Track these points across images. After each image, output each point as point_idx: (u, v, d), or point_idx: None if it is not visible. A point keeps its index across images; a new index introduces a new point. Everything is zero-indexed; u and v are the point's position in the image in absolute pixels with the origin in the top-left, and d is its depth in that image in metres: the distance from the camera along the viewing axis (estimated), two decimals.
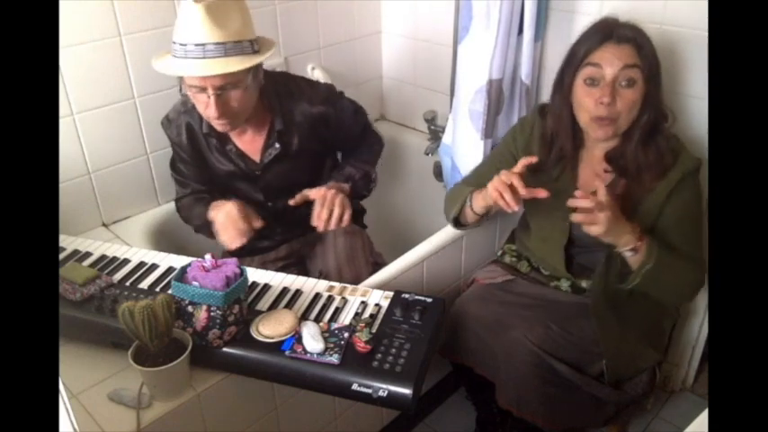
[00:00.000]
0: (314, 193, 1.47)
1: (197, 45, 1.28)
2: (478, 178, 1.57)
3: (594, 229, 1.26)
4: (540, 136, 1.48)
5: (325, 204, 1.43)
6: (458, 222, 1.58)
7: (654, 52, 1.32)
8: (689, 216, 1.37)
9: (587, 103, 1.32)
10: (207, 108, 1.35)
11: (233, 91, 1.34)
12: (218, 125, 1.42)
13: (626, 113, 1.30)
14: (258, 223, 1.47)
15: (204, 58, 1.28)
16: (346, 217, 1.45)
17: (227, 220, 1.43)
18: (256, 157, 1.54)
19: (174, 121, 1.54)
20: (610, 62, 1.29)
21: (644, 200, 1.36)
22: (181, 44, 1.29)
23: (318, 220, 1.43)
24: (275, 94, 1.51)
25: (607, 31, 1.31)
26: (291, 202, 1.48)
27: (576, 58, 1.34)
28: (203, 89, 1.32)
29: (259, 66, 1.40)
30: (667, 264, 1.32)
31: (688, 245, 1.37)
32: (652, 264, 1.30)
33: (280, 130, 1.51)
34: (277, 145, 1.52)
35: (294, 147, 1.54)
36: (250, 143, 1.54)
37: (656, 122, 1.34)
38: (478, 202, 1.47)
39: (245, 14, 1.35)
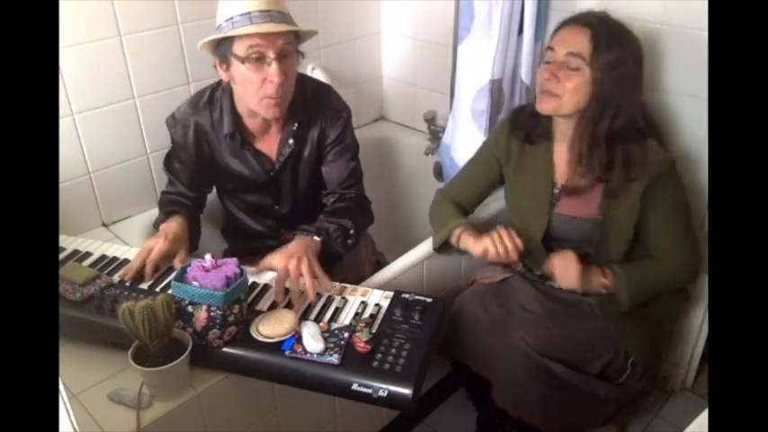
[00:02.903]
0: (276, 263, 1.35)
1: (262, 12, 1.32)
2: (460, 190, 1.64)
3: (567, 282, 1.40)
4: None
5: (294, 278, 1.31)
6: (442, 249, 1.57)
7: (620, 53, 1.33)
8: (671, 214, 1.41)
9: (538, 76, 1.41)
10: (265, 82, 1.35)
11: (289, 60, 1.37)
12: (273, 103, 1.39)
13: (569, 94, 1.35)
14: (178, 261, 1.40)
15: (271, 21, 1.32)
16: (317, 283, 1.33)
17: (144, 252, 1.40)
18: (273, 155, 1.55)
19: (180, 121, 1.53)
20: (560, 45, 1.36)
21: (619, 205, 1.38)
22: (242, 14, 1.32)
23: (293, 300, 1.31)
24: (298, 96, 1.51)
25: (576, 16, 1.39)
26: (257, 270, 1.36)
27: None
28: (260, 58, 1.33)
29: (300, 53, 1.44)
30: (649, 281, 1.41)
31: (676, 243, 1.42)
32: (627, 293, 1.38)
33: (297, 128, 1.51)
34: (291, 141, 1.52)
35: (308, 149, 1.54)
36: (269, 142, 1.55)
37: (621, 124, 1.35)
38: (467, 244, 1.47)
39: None
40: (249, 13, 1.32)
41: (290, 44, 1.36)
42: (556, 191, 1.48)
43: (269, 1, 1.33)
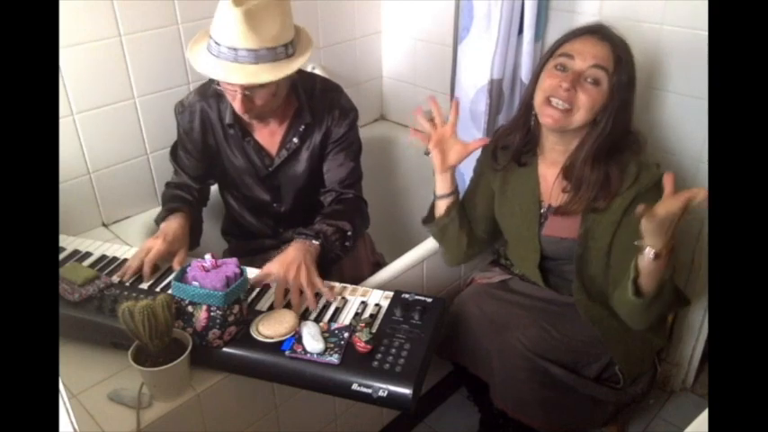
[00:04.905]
0: (275, 271, 1.34)
1: (229, 48, 1.28)
2: (469, 206, 1.57)
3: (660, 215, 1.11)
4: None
5: (293, 289, 1.30)
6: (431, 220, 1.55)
7: (631, 73, 1.30)
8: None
9: (547, 84, 1.30)
10: (234, 102, 1.37)
11: (261, 91, 1.35)
12: (247, 117, 1.43)
13: (584, 110, 1.28)
14: (177, 266, 1.38)
15: (236, 62, 1.29)
16: (316, 291, 1.33)
17: (141, 253, 1.39)
18: (273, 151, 1.55)
19: (188, 107, 1.54)
20: (582, 55, 1.28)
21: (600, 219, 1.34)
22: (216, 42, 1.30)
23: (292, 304, 1.30)
24: (306, 94, 1.51)
25: (594, 28, 1.32)
26: (253, 281, 1.33)
27: (554, 45, 1.35)
28: (231, 84, 1.33)
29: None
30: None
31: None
32: (670, 274, 1.22)
33: (303, 127, 1.51)
34: (295, 140, 1.52)
35: (310, 148, 1.54)
36: (270, 137, 1.55)
37: (614, 142, 1.31)
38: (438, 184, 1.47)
39: (284, 17, 1.33)
40: (219, 45, 1.29)
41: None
42: (542, 210, 1.43)
43: (243, 36, 1.26)
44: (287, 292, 1.33)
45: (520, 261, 1.54)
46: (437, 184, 1.49)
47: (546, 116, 1.31)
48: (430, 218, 1.56)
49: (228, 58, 1.29)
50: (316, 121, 1.52)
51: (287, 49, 1.34)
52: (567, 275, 1.46)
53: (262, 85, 1.33)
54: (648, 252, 1.17)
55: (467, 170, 1.85)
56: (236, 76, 1.29)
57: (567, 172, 1.37)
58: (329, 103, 1.52)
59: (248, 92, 1.33)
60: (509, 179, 1.48)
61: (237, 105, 1.36)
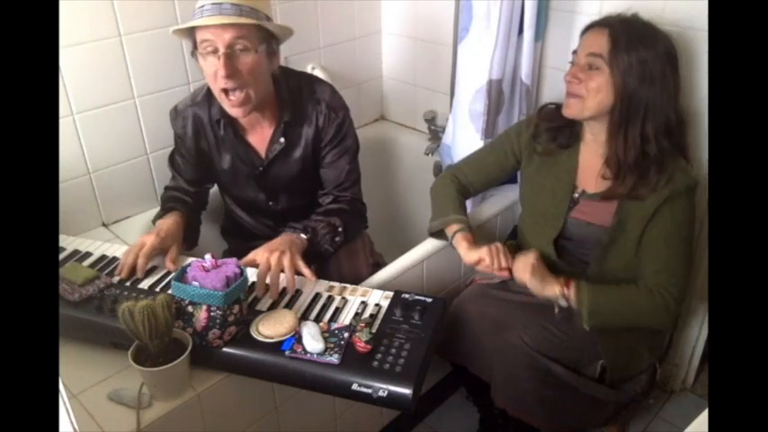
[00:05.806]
0: (258, 257, 1.36)
1: (214, 4, 1.32)
2: (470, 173, 1.64)
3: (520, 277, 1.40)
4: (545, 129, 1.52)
5: (271, 275, 1.32)
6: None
7: (639, 51, 1.30)
8: (670, 237, 1.35)
9: (564, 82, 1.40)
10: (216, 72, 1.35)
11: (243, 54, 1.35)
12: (230, 103, 1.39)
13: (592, 95, 1.34)
14: (170, 264, 1.40)
15: (220, 14, 1.31)
16: (303, 273, 1.35)
17: (135, 248, 1.40)
18: (262, 152, 1.55)
19: (181, 112, 1.54)
20: (583, 49, 1.36)
21: (633, 213, 1.36)
22: (199, 7, 1.34)
23: (271, 293, 1.32)
24: (292, 93, 1.51)
25: (596, 21, 1.38)
26: (241, 263, 1.31)
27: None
28: (215, 51, 1.33)
29: (272, 41, 1.42)
30: (612, 301, 1.37)
31: (659, 268, 1.35)
32: (586, 308, 1.34)
33: (286, 125, 1.51)
34: (282, 140, 1.52)
35: (299, 146, 1.54)
36: (260, 136, 1.54)
37: (635, 123, 1.33)
38: (461, 248, 1.49)
39: None
40: (203, 6, 1.33)
41: (243, 38, 1.33)
42: (575, 195, 1.46)
43: None
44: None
45: (534, 236, 1.53)
46: (460, 244, 1.51)
47: (566, 108, 1.40)
48: (439, 235, 1.60)
49: (213, 12, 1.32)
50: (300, 119, 1.52)
51: (267, 19, 1.38)
52: (585, 259, 1.46)
53: (245, 47, 1.33)
54: (559, 301, 1.39)
55: (453, 145, 1.86)
56: (218, 20, 1.31)
57: (610, 161, 1.39)
58: (316, 102, 1.52)
59: (230, 50, 1.33)
60: (549, 159, 1.50)
61: (221, 71, 1.33)
